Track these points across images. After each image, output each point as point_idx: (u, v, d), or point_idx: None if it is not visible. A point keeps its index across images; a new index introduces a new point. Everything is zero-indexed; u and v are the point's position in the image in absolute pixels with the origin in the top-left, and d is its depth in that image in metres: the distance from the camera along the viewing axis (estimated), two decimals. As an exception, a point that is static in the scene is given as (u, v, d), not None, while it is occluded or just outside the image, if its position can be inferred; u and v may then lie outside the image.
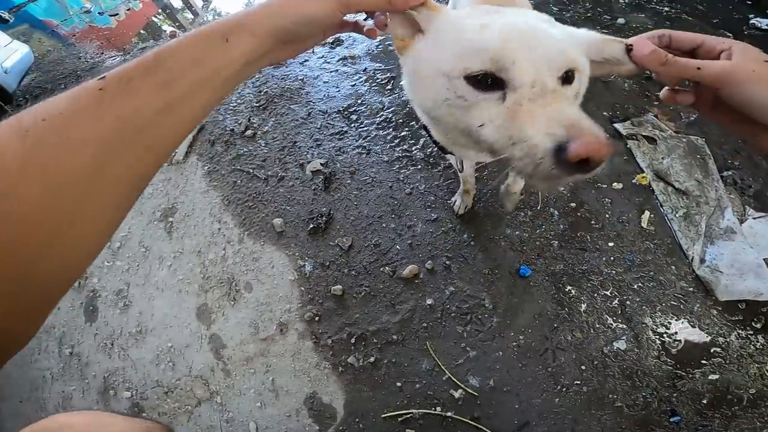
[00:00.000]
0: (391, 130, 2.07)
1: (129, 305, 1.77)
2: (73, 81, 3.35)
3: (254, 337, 1.61)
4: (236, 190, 1.99)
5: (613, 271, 1.58)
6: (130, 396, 1.60)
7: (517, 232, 1.68)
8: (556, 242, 1.65)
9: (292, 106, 2.33)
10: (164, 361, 1.63)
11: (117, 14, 4.75)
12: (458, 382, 1.42)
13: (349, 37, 2.85)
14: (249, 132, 2.23)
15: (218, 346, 1.62)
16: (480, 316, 1.53)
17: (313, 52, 2.78)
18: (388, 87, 2.33)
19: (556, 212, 1.72)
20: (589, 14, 2.69)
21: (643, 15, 2.69)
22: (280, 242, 1.77)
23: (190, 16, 4.67)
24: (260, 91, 2.51)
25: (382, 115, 2.16)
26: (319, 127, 2.17)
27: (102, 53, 3.74)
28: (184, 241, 1.87)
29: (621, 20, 2.62)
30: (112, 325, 1.74)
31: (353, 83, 2.41)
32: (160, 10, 4.89)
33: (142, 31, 4.36)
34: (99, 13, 4.91)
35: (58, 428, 1.43)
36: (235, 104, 2.46)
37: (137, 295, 1.78)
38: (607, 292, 1.54)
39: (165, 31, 4.15)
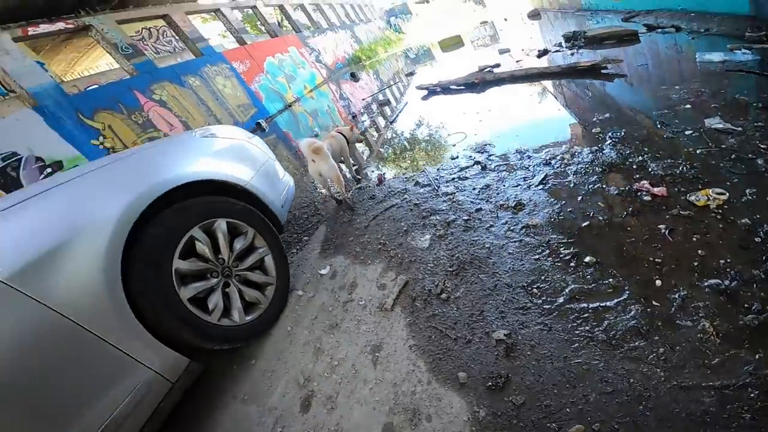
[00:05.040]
0: (572, 307, 2.29)
1: (334, 409, 2.26)
2: (311, 212, 4.63)
3: (424, 461, 1.90)
4: (430, 342, 2.44)
5: None
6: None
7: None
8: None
9: (480, 276, 2.78)
10: (347, 466, 2.02)
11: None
12: None
13: (530, 201, 3.37)
14: (444, 295, 2.73)
15: (394, 461, 1.95)
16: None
17: (497, 216, 3.35)
18: (572, 264, 2.59)
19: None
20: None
21: None
22: (462, 391, 2.10)
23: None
24: (452, 255, 3.08)
25: (564, 294, 2.40)
26: (504, 300, 2.52)
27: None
28: (384, 374, 2.35)
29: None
30: (318, 420, 2.24)
31: (536, 257, 2.76)
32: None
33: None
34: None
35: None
36: (432, 265, 3.07)
37: (342, 404, 2.27)
38: None
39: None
